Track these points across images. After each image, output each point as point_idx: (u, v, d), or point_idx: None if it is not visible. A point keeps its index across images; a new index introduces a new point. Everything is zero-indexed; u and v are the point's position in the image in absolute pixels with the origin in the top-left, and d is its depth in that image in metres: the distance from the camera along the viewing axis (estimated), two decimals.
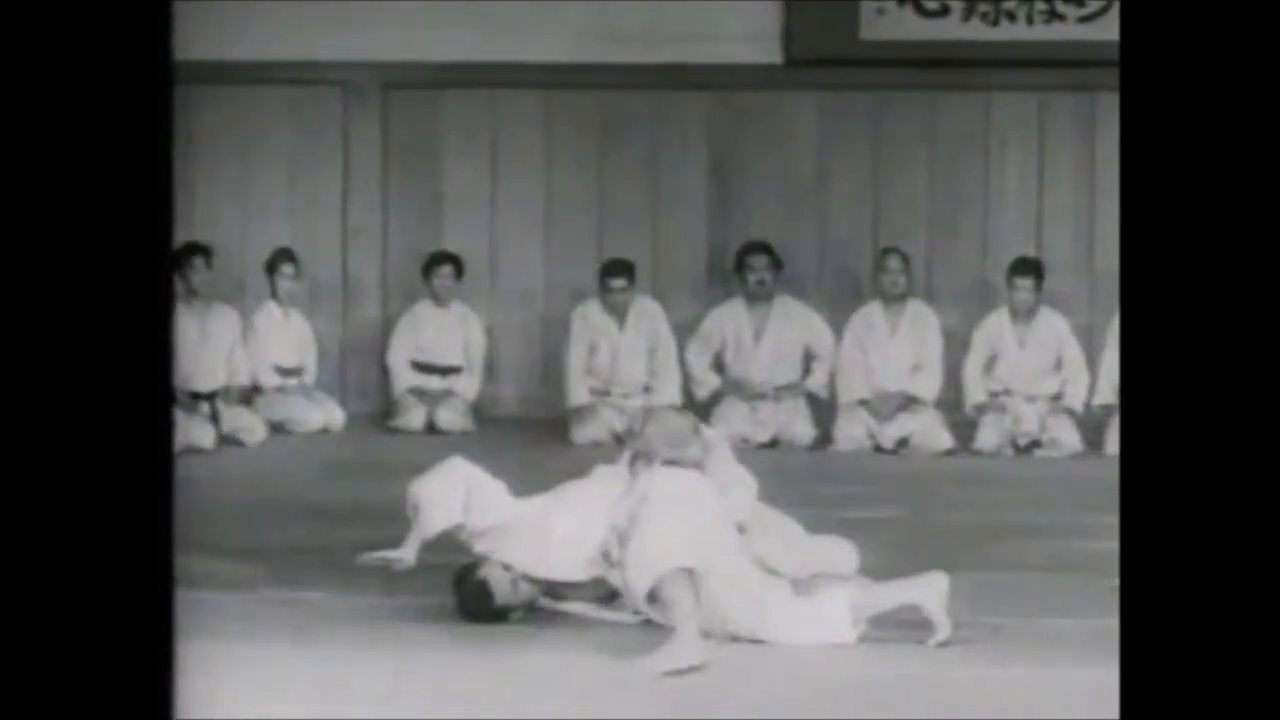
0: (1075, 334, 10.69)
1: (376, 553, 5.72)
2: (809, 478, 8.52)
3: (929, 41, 11.42)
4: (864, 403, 10.58)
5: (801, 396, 10.77)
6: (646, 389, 10.81)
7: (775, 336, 10.85)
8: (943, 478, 9.54)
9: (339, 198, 11.95)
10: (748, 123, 11.73)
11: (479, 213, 11.94)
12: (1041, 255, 11.12)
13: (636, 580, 5.15)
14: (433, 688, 4.84)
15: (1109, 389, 10.33)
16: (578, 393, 10.80)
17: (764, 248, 10.89)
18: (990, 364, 10.65)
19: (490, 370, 11.60)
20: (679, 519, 5.22)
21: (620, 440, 10.17)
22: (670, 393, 10.74)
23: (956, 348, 10.72)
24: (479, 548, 5.63)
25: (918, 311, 10.79)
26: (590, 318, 10.94)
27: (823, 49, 11.50)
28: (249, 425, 10.52)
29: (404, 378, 11.33)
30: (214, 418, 10.36)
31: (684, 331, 10.97)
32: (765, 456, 9.47)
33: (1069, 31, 11.34)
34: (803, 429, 10.62)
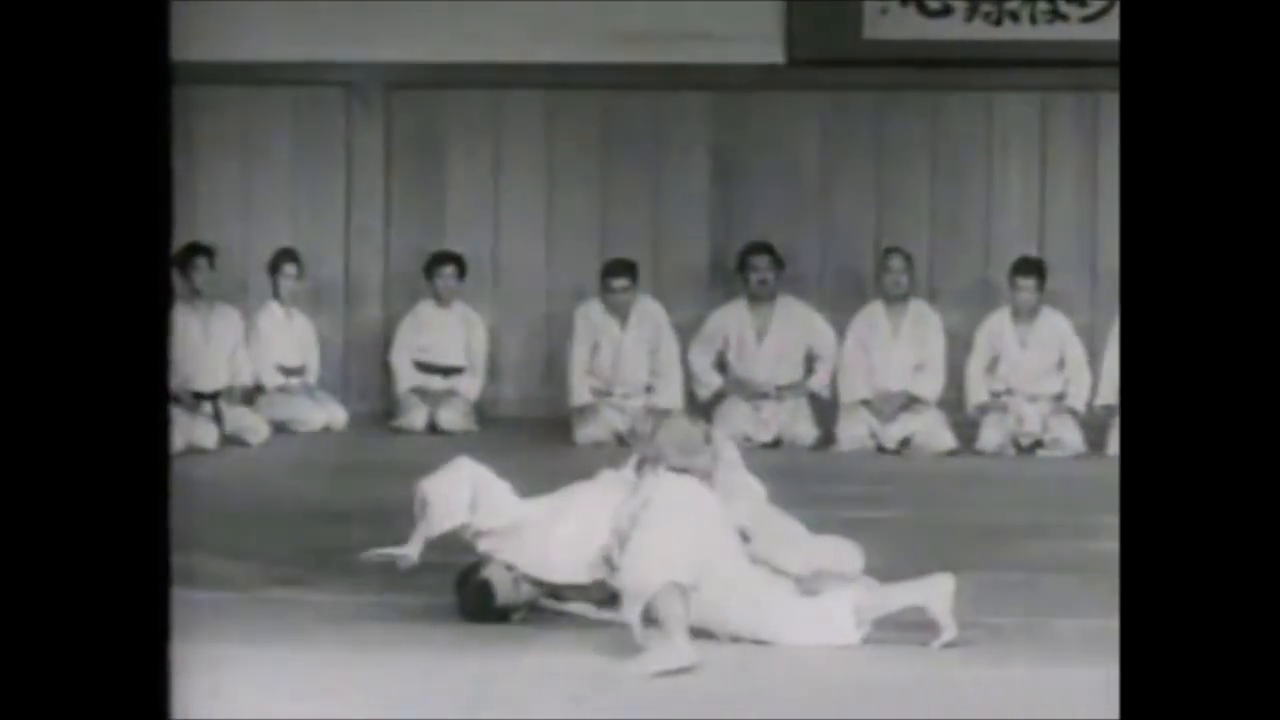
0: (1077, 334, 10.69)
1: (381, 550, 5.72)
2: (811, 478, 8.51)
3: (932, 41, 11.42)
4: (866, 403, 10.58)
5: (804, 396, 10.77)
6: (648, 389, 10.81)
7: (778, 336, 10.85)
8: (945, 478, 9.54)
9: (342, 198, 11.96)
10: (750, 123, 11.73)
11: (481, 213, 11.95)
12: (1044, 255, 11.12)
13: (629, 591, 5.16)
14: (433, 688, 4.84)
15: (1111, 389, 10.32)
16: (580, 393, 10.81)
17: (766, 248, 10.89)
18: (992, 364, 10.65)
19: (492, 370, 11.61)
20: (676, 531, 5.22)
21: (622, 440, 10.18)
22: (672, 393, 10.75)
23: (959, 348, 10.72)
24: (483, 547, 5.64)
25: (920, 311, 10.79)
26: (592, 318, 10.94)
27: (825, 49, 11.51)
28: (252, 425, 10.53)
29: (406, 378, 11.34)
30: (217, 418, 10.37)
31: (686, 331, 10.97)
32: (768, 456, 9.47)
33: (1072, 31, 11.34)
34: (805, 429, 10.62)
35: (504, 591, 5.55)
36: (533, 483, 5.85)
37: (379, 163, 11.95)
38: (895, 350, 10.69)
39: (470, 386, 11.37)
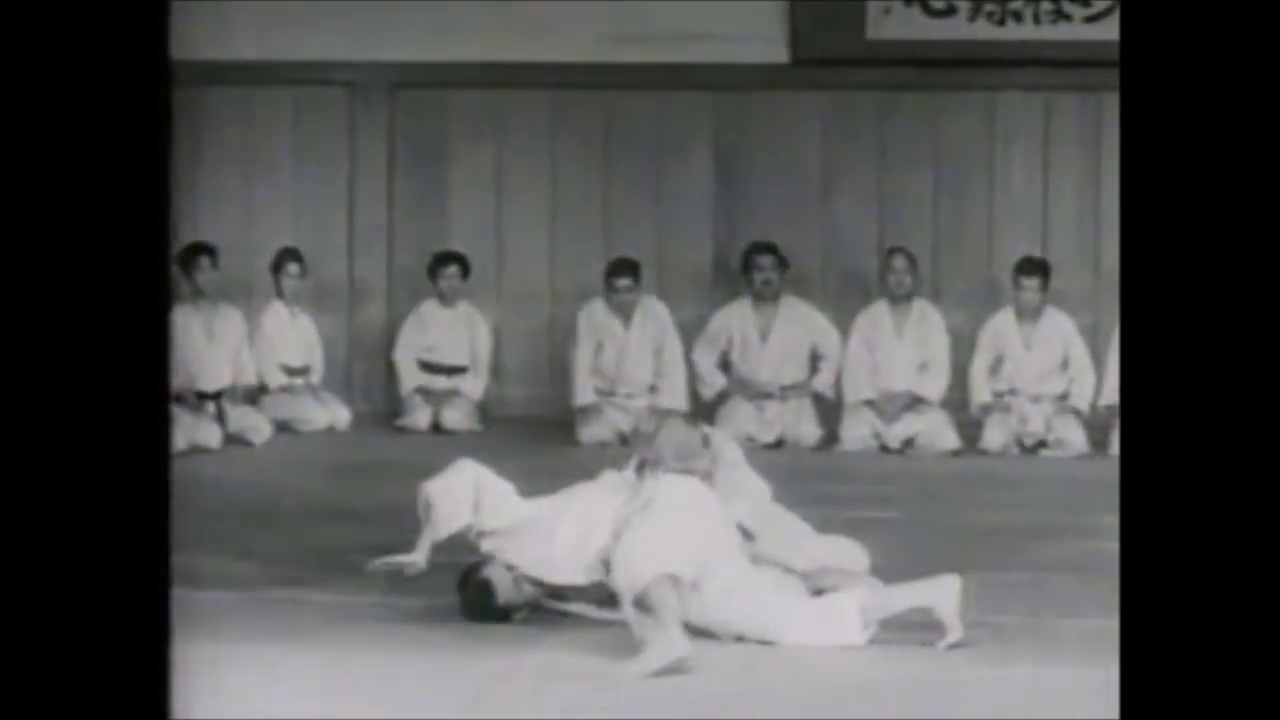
0: (1081, 334, 10.68)
1: (388, 558, 5.72)
2: (815, 478, 8.51)
3: (935, 41, 11.42)
4: (870, 403, 10.57)
5: (807, 396, 10.77)
6: (652, 389, 10.81)
7: (781, 336, 10.85)
8: (949, 478, 9.53)
9: (345, 197, 11.97)
10: (754, 122, 11.73)
11: (485, 212, 11.95)
12: (1047, 255, 11.11)
13: (622, 584, 5.16)
14: (434, 687, 4.84)
15: (1115, 389, 10.30)
16: (583, 393, 10.80)
17: (770, 247, 10.89)
18: (996, 364, 10.64)
19: (496, 370, 11.61)
20: (672, 526, 5.22)
21: (626, 440, 10.18)
22: (676, 393, 10.75)
23: (963, 348, 10.71)
24: (485, 547, 5.64)
25: (924, 311, 10.78)
26: (596, 317, 10.93)
27: (829, 48, 11.50)
28: (255, 425, 10.53)
29: (410, 377, 11.34)
30: (220, 417, 10.38)
31: (690, 331, 10.97)
32: (771, 456, 9.46)
33: (1075, 31, 11.33)
34: (809, 429, 10.62)
35: (505, 591, 5.55)
36: (536, 483, 5.86)
37: (382, 162, 11.95)
38: (899, 350, 10.68)
39: (474, 386, 11.37)
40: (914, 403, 10.54)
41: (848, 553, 5.71)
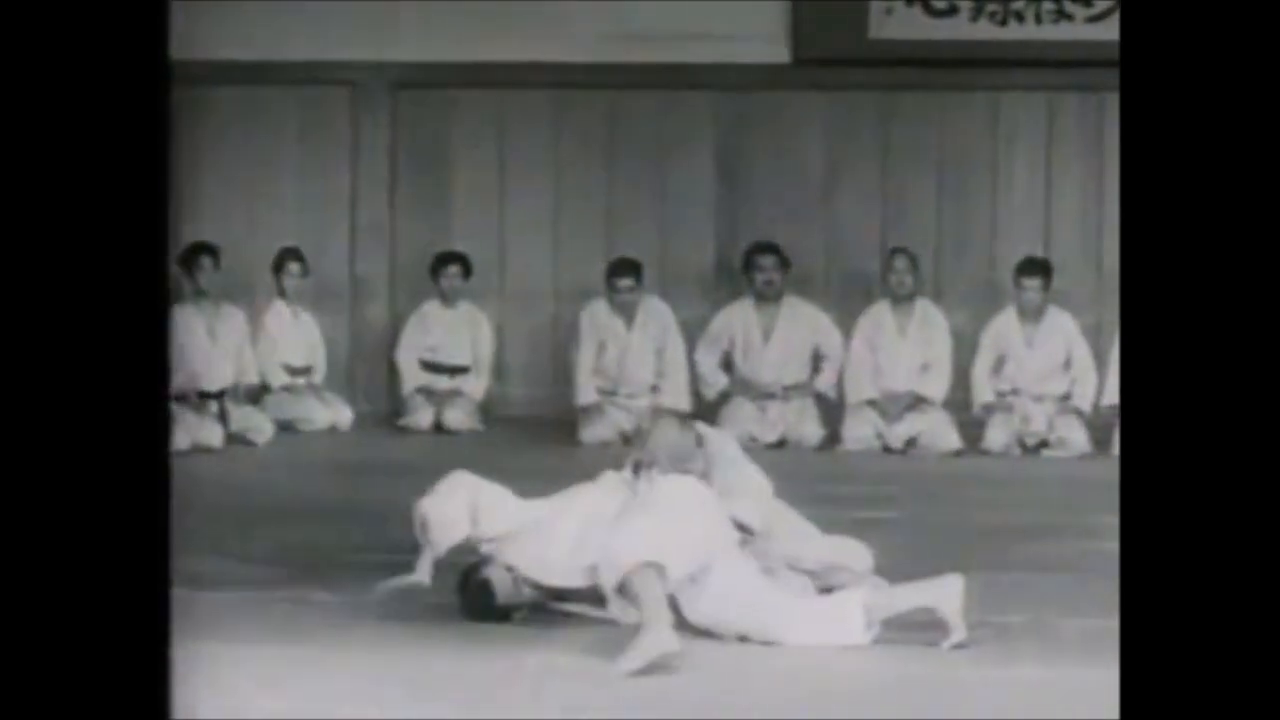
0: (1083, 334, 10.68)
1: (393, 581, 5.72)
2: (817, 478, 8.50)
3: (937, 41, 11.42)
4: (872, 403, 10.57)
5: (810, 396, 10.77)
6: (654, 389, 10.81)
7: (783, 336, 10.85)
8: (951, 478, 9.53)
9: (347, 197, 11.97)
10: (756, 123, 11.74)
11: (487, 212, 11.95)
12: (1049, 255, 11.11)
13: (605, 573, 5.16)
14: (433, 688, 4.84)
15: (1117, 389, 10.30)
16: (585, 392, 10.81)
17: (772, 248, 10.89)
18: (998, 364, 10.64)
19: (498, 370, 11.61)
20: (661, 518, 5.22)
21: (628, 440, 10.17)
22: (678, 393, 10.75)
23: (965, 348, 10.71)
24: (486, 548, 5.64)
25: (926, 312, 10.78)
26: (598, 317, 10.94)
27: (831, 48, 11.51)
28: (257, 424, 10.53)
29: (412, 377, 11.34)
30: (222, 417, 10.38)
31: (692, 331, 10.97)
32: (773, 457, 9.45)
33: (1077, 31, 11.33)
34: (811, 429, 10.62)
35: (504, 591, 5.55)
36: (538, 483, 5.86)
37: (384, 162, 11.95)
38: (901, 350, 10.68)
39: (476, 386, 11.38)
40: (916, 403, 10.54)
41: (852, 552, 5.71)
